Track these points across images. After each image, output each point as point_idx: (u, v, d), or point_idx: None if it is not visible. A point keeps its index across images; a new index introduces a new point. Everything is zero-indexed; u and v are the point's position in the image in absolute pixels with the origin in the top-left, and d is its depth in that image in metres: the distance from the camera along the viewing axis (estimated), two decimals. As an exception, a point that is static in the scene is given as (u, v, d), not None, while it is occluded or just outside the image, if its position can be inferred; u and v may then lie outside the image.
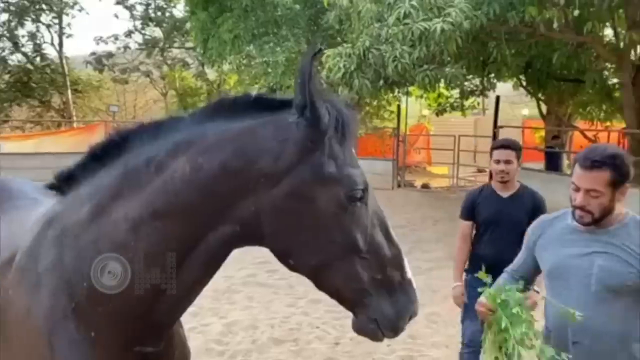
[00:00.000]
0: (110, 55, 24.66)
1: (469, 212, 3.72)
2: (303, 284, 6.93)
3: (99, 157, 1.68)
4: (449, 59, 7.92)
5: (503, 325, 1.99)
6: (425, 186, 16.16)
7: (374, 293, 1.58)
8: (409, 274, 1.65)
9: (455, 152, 15.56)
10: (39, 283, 1.63)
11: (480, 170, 17.78)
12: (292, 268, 1.63)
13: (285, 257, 1.61)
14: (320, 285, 1.62)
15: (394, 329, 1.61)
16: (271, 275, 6.93)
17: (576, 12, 7.57)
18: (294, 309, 5.91)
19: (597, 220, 2.12)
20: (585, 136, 13.70)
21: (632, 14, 8.64)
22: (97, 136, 17.73)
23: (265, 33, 13.79)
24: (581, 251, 2.15)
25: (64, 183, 1.75)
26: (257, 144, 1.53)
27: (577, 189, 2.11)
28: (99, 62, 24.32)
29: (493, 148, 3.66)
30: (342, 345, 5.00)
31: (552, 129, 14.79)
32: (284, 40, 13.52)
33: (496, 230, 3.62)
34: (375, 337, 1.63)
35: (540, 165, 14.39)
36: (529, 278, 2.41)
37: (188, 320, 1.51)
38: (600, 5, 7.67)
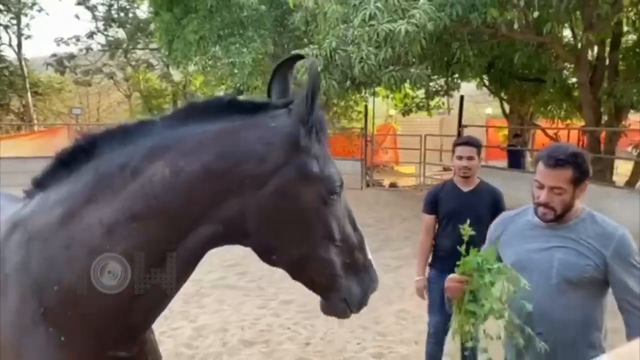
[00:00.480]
0: (72, 56, 24.10)
1: (432, 206, 3.86)
2: (273, 286, 6.95)
3: (67, 162, 1.67)
4: (413, 59, 8.02)
5: (487, 279, 2.02)
6: (393, 185, 16.34)
7: (344, 275, 1.73)
8: (369, 255, 1.82)
9: (421, 151, 15.76)
10: (4, 287, 1.61)
11: (446, 169, 18.06)
12: (273, 263, 1.70)
13: (268, 253, 1.68)
14: (297, 276, 1.72)
15: (360, 305, 1.80)
16: (241, 278, 6.91)
17: (536, 14, 7.76)
18: (265, 310, 5.91)
19: (559, 217, 2.20)
20: (547, 134, 14.05)
21: (589, 16, 8.92)
22: (60, 139, 17.34)
23: (231, 34, 13.71)
24: (542, 246, 2.23)
25: (32, 188, 1.74)
26: (241, 147, 1.58)
27: (541, 187, 2.19)
28: (60, 63, 23.75)
29: (455, 145, 3.78)
30: (313, 345, 5.02)
31: (515, 128, 15.13)
32: (250, 41, 13.46)
33: (457, 223, 3.73)
34: (345, 314, 1.78)
35: (504, 163, 14.71)
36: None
37: (158, 324, 1.51)
38: (558, 7, 7.88)
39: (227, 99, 1.67)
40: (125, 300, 1.57)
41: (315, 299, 5.74)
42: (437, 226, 3.89)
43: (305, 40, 13.58)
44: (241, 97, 1.72)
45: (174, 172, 1.55)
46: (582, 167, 2.16)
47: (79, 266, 1.54)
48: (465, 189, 3.75)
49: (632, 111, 11.30)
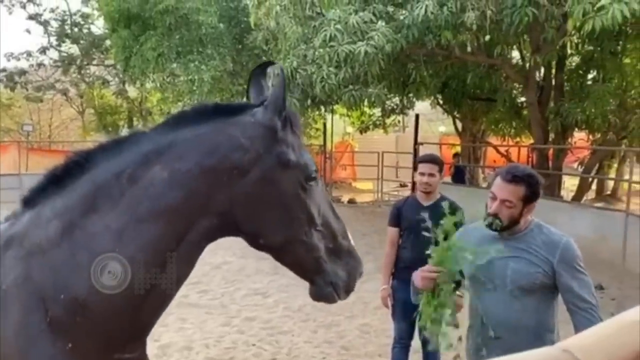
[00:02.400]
0: (22, 72, 23.41)
1: (396, 219, 4.09)
2: (236, 303, 6.95)
3: (59, 178, 1.75)
4: (372, 79, 8.26)
5: (468, 255, 2.20)
6: (351, 201, 16.54)
7: (328, 260, 1.87)
8: (352, 240, 1.97)
9: (379, 167, 16.06)
10: (3, 302, 1.64)
11: (402, 185, 18.46)
12: (261, 247, 1.84)
13: (255, 238, 1.81)
14: (284, 260, 1.87)
15: (348, 290, 1.94)
16: (203, 296, 6.88)
17: (487, 37, 8.15)
18: (229, 328, 5.92)
19: (505, 228, 2.40)
20: (498, 151, 14.57)
21: (536, 40, 9.40)
22: (9, 156, 16.80)
23: (190, 51, 13.71)
24: (496, 257, 2.40)
25: (20, 207, 1.79)
26: (228, 142, 1.73)
27: (494, 198, 2.39)
28: (11, 79, 23.00)
29: (419, 162, 4.04)
30: (279, 361, 5.07)
31: (468, 145, 15.64)
32: (209, 58, 13.50)
33: (417, 235, 3.96)
34: (332, 299, 1.91)
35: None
36: (456, 283, 2.64)
37: None
38: (507, 30, 8.30)
39: (212, 105, 1.84)
40: (133, 300, 1.64)
41: (278, 316, 5.84)
42: (399, 238, 4.09)
43: (265, 58, 13.73)
44: (224, 102, 1.89)
45: (172, 173, 1.68)
46: (534, 188, 2.38)
47: (87, 273, 1.60)
48: (426, 203, 3.95)
49: (576, 129, 11.87)
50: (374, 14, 7.89)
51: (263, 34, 10.05)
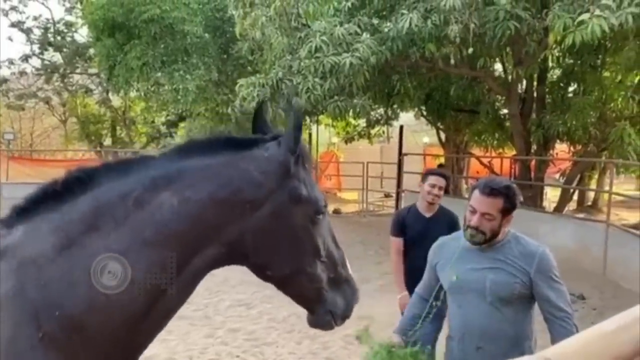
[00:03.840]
0: (4, 80, 23.15)
1: (400, 229, 4.18)
2: (220, 314, 6.91)
3: (58, 192, 1.72)
4: (357, 90, 8.33)
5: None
6: (336, 212, 16.56)
7: (329, 289, 1.92)
8: (350, 269, 2.02)
9: (364, 178, 16.12)
10: None
11: (387, 195, 18.54)
12: (267, 278, 1.88)
13: (263, 269, 1.85)
14: (287, 290, 1.91)
15: (344, 317, 2.00)
16: (187, 307, 6.77)
17: (470, 50, 8.26)
18: (212, 339, 5.87)
19: (487, 241, 2.44)
20: (481, 162, 14.71)
21: (518, 53, 9.56)
22: (-10, 165, 16.60)
23: (175, 61, 13.69)
24: (475, 267, 2.46)
25: (11, 219, 1.75)
26: (241, 176, 1.76)
27: (474, 211, 2.42)
28: (-8, 87, 22.77)
29: (430, 174, 4.21)
30: (263, 372, 5.05)
31: (451, 156, 15.79)
32: (194, 68, 13.50)
33: (421, 246, 4.06)
34: (330, 327, 1.96)
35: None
36: (436, 295, 2.68)
37: None
38: (490, 43, 8.43)
39: (225, 137, 1.89)
40: (131, 321, 1.63)
41: (262, 327, 5.82)
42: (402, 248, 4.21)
43: (250, 68, 13.77)
44: (236, 134, 1.94)
45: (182, 201, 1.69)
46: (512, 200, 2.43)
47: (85, 291, 1.59)
48: (427, 214, 4.10)
49: (558, 141, 12.04)
50: (359, 26, 7.97)
51: (249, 45, 10.08)
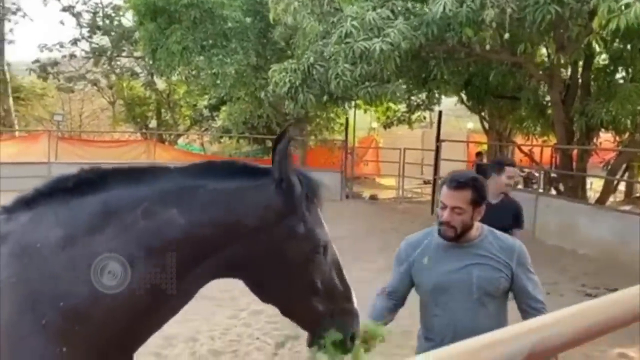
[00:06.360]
0: (55, 63, 23.99)
1: None
2: (246, 296, 7.00)
3: (69, 189, 1.76)
4: (389, 76, 8.21)
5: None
6: (373, 197, 16.51)
7: (327, 319, 1.93)
8: (355, 304, 2.00)
9: (400, 164, 15.94)
10: None
11: (425, 182, 18.30)
12: (263, 300, 1.95)
13: (257, 290, 1.93)
14: (285, 314, 1.97)
15: (344, 350, 1.98)
16: (214, 288, 6.94)
17: (507, 35, 7.99)
18: (236, 320, 5.99)
19: (459, 236, 2.42)
20: (522, 150, 14.32)
21: (560, 38, 9.20)
22: (40, 145, 17.29)
23: (214, 45, 13.85)
24: (457, 266, 2.44)
25: (16, 205, 1.80)
26: (245, 206, 1.81)
27: (444, 207, 2.42)
28: (44, 69, 23.60)
29: (505, 164, 4.38)
30: (280, 356, 5.12)
31: (493, 144, 15.40)
32: (233, 52, 13.62)
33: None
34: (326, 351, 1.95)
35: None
36: (404, 296, 2.69)
37: None
38: (530, 28, 8.14)
39: (242, 164, 1.95)
40: (131, 321, 1.71)
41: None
42: None
43: (289, 52, 13.79)
44: (252, 163, 2.02)
45: (189, 222, 1.74)
46: (480, 191, 2.44)
47: (88, 288, 1.64)
48: (494, 201, 4.14)
49: (603, 130, 11.57)
50: (392, 11, 7.83)
51: (281, 30, 10.07)
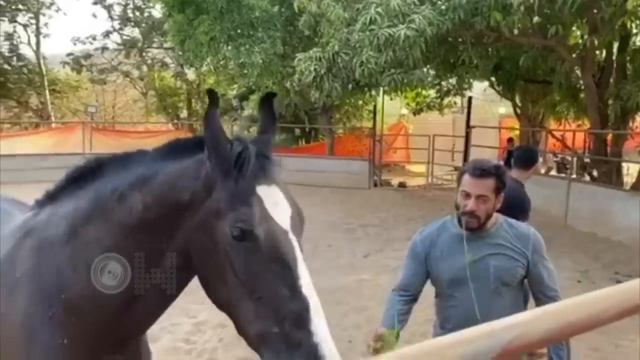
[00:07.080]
0: (88, 55, 24.52)
1: None
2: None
3: (77, 179, 1.82)
4: (415, 62, 8.12)
5: None
6: (402, 185, 16.39)
7: (269, 346, 1.47)
8: (318, 336, 1.42)
9: (429, 151, 15.76)
10: (15, 289, 1.77)
11: (456, 169, 18.05)
12: (211, 300, 1.66)
13: (205, 291, 1.65)
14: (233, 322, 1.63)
15: None
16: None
17: (536, 18, 7.81)
18: (263, 308, 6.07)
19: (482, 225, 2.40)
20: (554, 136, 14.02)
21: (593, 20, 8.92)
22: (76, 136, 17.75)
23: (241, 35, 13.90)
24: (475, 257, 2.40)
25: (44, 199, 1.90)
26: (183, 181, 1.63)
27: (468, 196, 2.38)
28: (77, 62, 24.18)
29: (534, 161, 4.54)
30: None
31: (525, 129, 15.10)
32: (260, 42, 13.65)
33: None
34: None
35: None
36: (419, 290, 2.61)
37: (158, 320, 1.63)
38: (561, 10, 7.92)
39: (197, 138, 1.71)
40: (121, 312, 1.72)
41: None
42: None
43: (316, 40, 13.75)
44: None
45: (145, 207, 1.66)
46: (502, 178, 2.40)
47: (82, 280, 1.70)
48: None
49: (638, 113, 11.22)
50: (417, -4, 7.74)
51: (306, 19, 10.04)
